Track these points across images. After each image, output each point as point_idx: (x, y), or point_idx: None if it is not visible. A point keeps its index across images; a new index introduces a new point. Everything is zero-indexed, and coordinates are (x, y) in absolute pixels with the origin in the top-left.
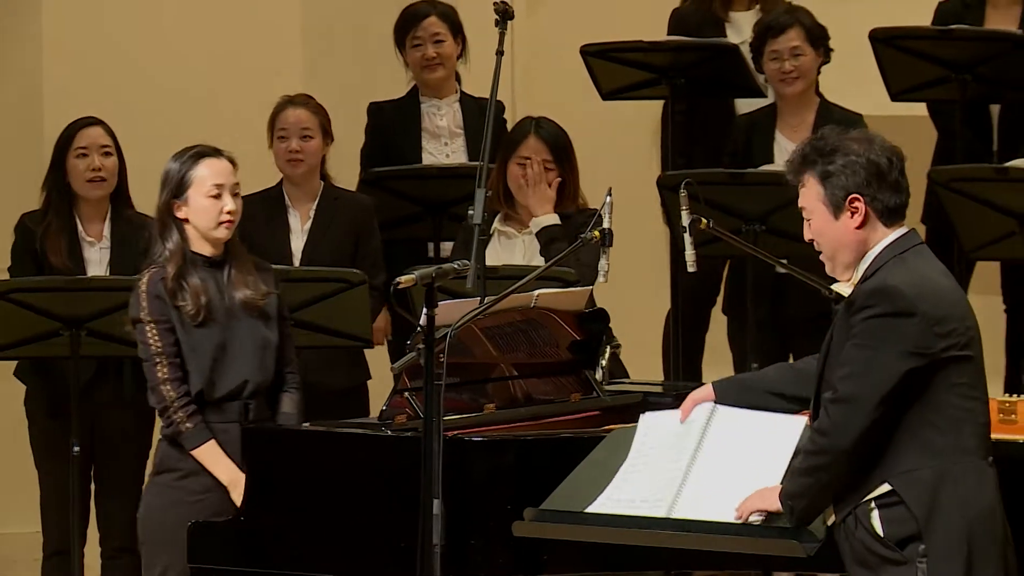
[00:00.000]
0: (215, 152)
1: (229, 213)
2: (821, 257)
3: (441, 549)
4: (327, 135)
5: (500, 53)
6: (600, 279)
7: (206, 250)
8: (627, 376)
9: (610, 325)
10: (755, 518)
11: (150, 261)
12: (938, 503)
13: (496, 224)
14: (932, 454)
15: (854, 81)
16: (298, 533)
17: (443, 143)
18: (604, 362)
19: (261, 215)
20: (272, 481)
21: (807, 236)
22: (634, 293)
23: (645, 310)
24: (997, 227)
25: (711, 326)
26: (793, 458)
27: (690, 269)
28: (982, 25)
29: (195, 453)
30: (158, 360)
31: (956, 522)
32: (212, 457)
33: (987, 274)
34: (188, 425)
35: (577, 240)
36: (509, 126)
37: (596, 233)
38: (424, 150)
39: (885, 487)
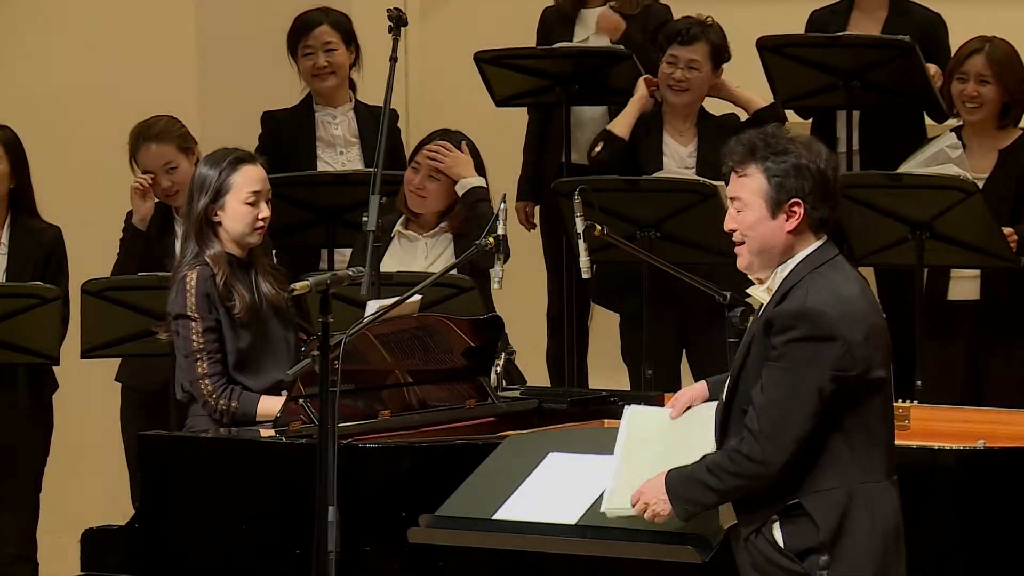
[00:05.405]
0: (251, 158)
1: (263, 219)
2: (739, 250)
3: (336, 556)
4: (191, 154)
5: (394, 60)
6: (495, 285)
7: (235, 251)
8: (524, 382)
9: (505, 331)
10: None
11: (181, 261)
12: (847, 523)
13: (398, 227)
14: (844, 475)
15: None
16: (193, 540)
17: (338, 152)
18: (498, 368)
19: (153, 227)
20: (167, 488)
21: (729, 226)
22: (529, 299)
23: (541, 316)
24: (889, 233)
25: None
26: (705, 470)
27: (584, 276)
28: (845, 30)
29: (259, 416)
30: (199, 356)
31: (864, 542)
32: (272, 405)
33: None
34: (234, 404)
35: (472, 247)
36: (404, 133)
37: (491, 240)
38: (319, 159)
39: (786, 499)
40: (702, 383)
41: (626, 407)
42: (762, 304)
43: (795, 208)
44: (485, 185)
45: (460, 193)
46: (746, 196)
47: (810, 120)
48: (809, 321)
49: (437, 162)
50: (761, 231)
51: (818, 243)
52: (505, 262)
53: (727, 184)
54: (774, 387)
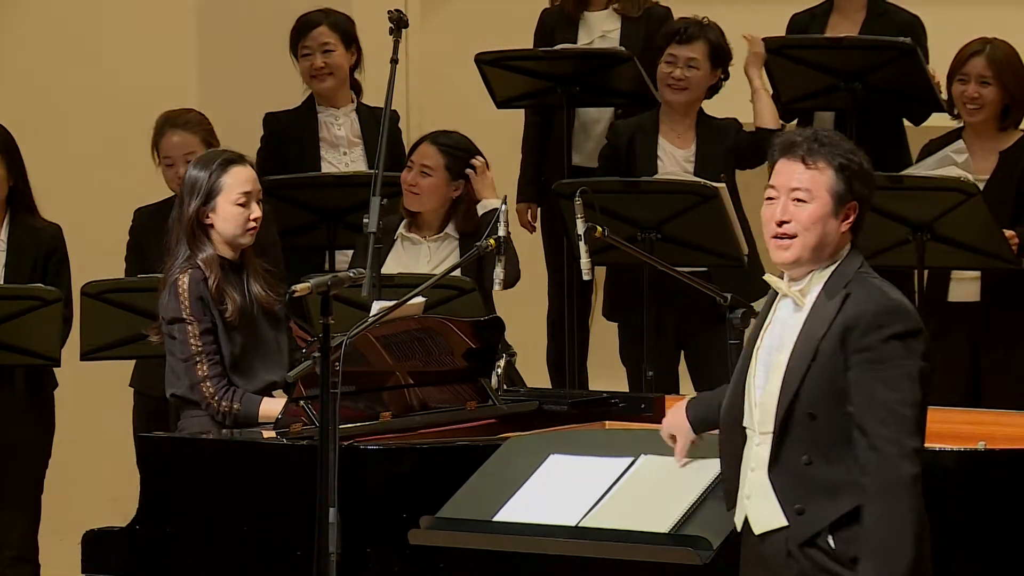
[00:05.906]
0: (241, 159)
1: (254, 220)
2: (787, 243)
3: (337, 557)
4: (211, 148)
5: (395, 61)
6: (496, 287)
7: (227, 254)
8: (524, 384)
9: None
10: None
11: (172, 265)
12: None
13: (401, 230)
14: None
15: (734, 89)
16: (193, 542)
17: (342, 152)
18: (499, 370)
19: (160, 225)
20: (167, 490)
21: (783, 216)
22: (529, 300)
23: (542, 317)
24: (890, 235)
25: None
26: (883, 530)
27: (585, 277)
28: (824, 32)
29: (261, 418)
30: (198, 359)
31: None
32: (274, 406)
33: None
34: (236, 406)
35: (472, 249)
36: (405, 135)
37: (491, 241)
38: (323, 159)
39: (847, 506)
40: (684, 419)
41: (643, 455)
42: (775, 298)
43: (850, 211)
44: (505, 207)
45: (480, 213)
46: (814, 188)
47: (795, 121)
48: (900, 316)
49: (472, 172)
50: (822, 227)
51: (849, 246)
52: (513, 285)
53: (770, 173)
54: (888, 389)
